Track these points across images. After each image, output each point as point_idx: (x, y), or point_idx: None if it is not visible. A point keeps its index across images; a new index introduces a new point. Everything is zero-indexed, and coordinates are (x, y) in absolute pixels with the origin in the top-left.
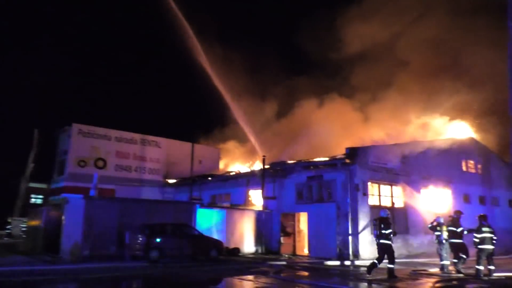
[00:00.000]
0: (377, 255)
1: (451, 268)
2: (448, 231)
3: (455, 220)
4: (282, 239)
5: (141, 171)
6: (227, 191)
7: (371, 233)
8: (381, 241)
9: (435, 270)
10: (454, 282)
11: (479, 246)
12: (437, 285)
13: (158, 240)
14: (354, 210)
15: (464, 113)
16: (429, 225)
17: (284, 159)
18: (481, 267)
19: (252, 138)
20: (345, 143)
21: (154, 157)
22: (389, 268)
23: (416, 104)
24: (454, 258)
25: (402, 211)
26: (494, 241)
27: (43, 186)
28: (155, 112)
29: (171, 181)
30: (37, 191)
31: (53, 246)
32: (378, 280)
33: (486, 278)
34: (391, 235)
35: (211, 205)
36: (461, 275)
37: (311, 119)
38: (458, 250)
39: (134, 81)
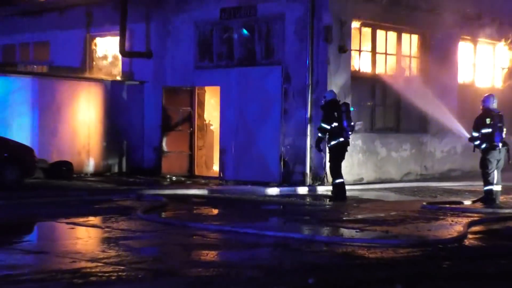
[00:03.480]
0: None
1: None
2: None
3: None
4: (165, 144)
5: None
6: (44, 38)
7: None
8: (348, 139)
9: (471, 203)
10: (508, 224)
11: None
12: (472, 229)
13: None
14: (320, 82)
15: None
16: (473, 134)
17: None
18: None
19: None
20: None
21: None
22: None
23: None
24: None
25: (416, 86)
26: None
27: None
28: None
29: None
30: None
31: None
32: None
33: None
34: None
35: (6, 68)
36: None
37: None
38: None
39: None
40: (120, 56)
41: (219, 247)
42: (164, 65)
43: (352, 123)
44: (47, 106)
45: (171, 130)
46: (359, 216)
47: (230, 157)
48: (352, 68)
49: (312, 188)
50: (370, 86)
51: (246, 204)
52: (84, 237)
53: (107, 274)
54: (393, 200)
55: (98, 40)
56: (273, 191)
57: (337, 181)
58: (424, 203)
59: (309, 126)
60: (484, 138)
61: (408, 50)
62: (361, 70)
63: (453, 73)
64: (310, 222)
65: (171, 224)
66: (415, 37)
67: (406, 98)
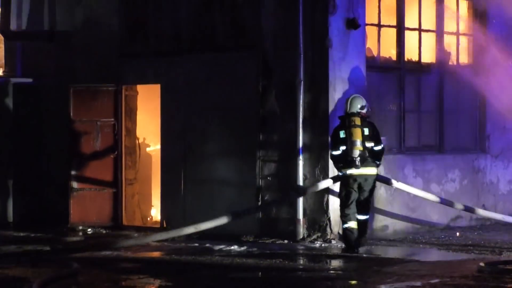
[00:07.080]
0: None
1: None
2: None
3: None
4: (75, 178)
5: None
6: None
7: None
8: (363, 170)
9: None
10: None
11: None
12: None
13: None
14: (317, 76)
15: None
16: None
17: None
18: None
19: None
20: None
21: None
22: (364, 221)
23: None
24: None
25: (468, 80)
26: None
27: None
28: None
29: None
30: None
31: None
32: None
33: None
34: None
35: None
36: None
37: None
38: None
39: None
40: (2, 39)
41: None
42: (73, 51)
43: (377, 148)
44: None
45: (84, 155)
46: (382, 287)
47: (179, 196)
48: (368, 53)
49: (308, 243)
50: (396, 81)
51: (204, 270)
52: None
53: None
54: (435, 259)
55: None
56: (245, 248)
57: (344, 226)
58: (482, 264)
59: (301, 144)
60: None
61: (455, 25)
62: (382, 57)
63: None
64: None
65: None
66: (464, 4)
67: (452, 99)
